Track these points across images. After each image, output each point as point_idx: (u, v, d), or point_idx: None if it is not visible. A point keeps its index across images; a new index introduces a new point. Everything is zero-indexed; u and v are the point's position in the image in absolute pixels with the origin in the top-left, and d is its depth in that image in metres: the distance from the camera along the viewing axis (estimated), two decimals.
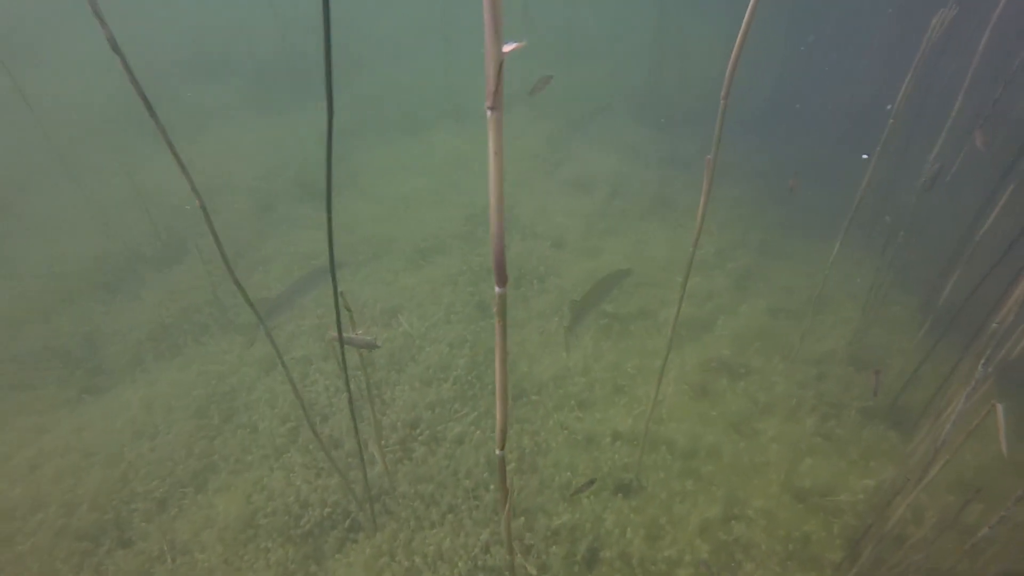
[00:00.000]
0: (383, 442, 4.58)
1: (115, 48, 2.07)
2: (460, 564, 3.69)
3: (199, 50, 12.76)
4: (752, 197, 8.02)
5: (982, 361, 2.53)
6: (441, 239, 6.82)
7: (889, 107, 3.56)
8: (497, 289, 1.09)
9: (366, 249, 7.00)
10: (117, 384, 5.89)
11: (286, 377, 5.43)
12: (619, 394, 4.80)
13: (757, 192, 8.15)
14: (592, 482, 3.86)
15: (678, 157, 8.82)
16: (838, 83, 10.26)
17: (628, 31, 12.68)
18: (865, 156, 3.50)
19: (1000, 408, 2.43)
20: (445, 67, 9.84)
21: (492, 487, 4.11)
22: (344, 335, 3.18)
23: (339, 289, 7.05)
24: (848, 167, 8.15)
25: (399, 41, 13.72)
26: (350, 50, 13.04)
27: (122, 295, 6.90)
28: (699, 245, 2.59)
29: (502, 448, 1.44)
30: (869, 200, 4.17)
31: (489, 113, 0.95)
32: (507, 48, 0.89)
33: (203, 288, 6.52)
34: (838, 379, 4.81)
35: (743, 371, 4.85)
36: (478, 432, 4.49)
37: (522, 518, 3.93)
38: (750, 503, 3.85)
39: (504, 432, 1.41)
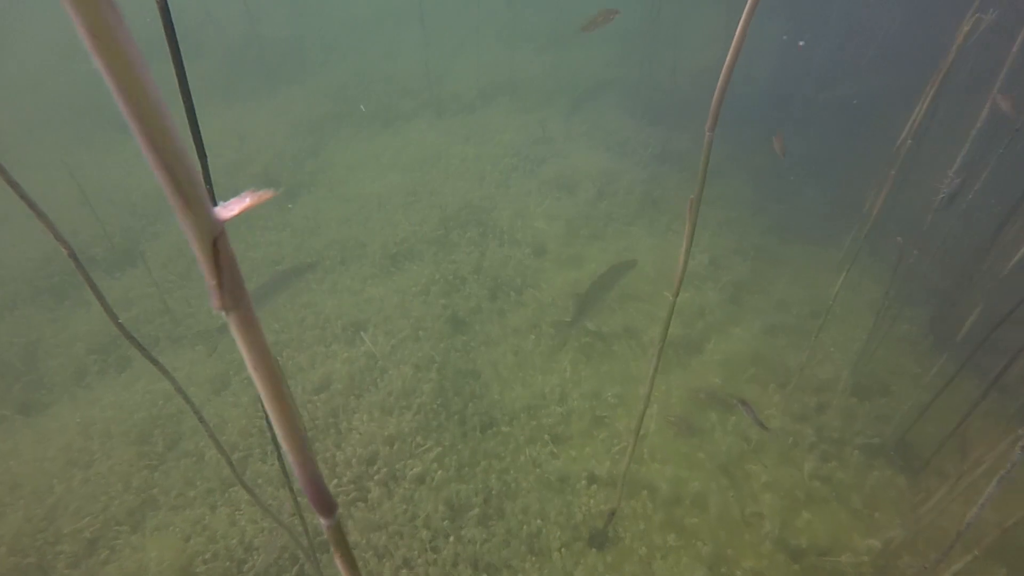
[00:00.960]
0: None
1: None
2: None
3: (161, 33, 12.04)
4: (750, 195, 7.51)
5: (1020, 444, 2.07)
6: (413, 244, 6.31)
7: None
8: (323, 522, 0.66)
9: (333, 254, 6.48)
10: (56, 401, 5.42)
11: (235, 402, 5.01)
12: (598, 427, 4.35)
13: (755, 189, 7.64)
14: (613, 513, 3.42)
15: (670, 152, 8.25)
16: (841, 74, 9.68)
17: (620, 17, 11.99)
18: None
19: None
20: (424, 54, 9.18)
21: (452, 538, 3.68)
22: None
23: (303, 299, 6.33)
24: (849, 164, 7.64)
25: (376, 26, 13.00)
26: (325, 35, 12.34)
27: (69, 301, 6.39)
28: (691, 255, 2.15)
29: None
30: (877, 212, 3.69)
31: (225, 315, 0.49)
32: (228, 212, 0.44)
33: (155, 296, 6.02)
34: (840, 411, 4.37)
35: (735, 403, 4.39)
36: (440, 471, 4.04)
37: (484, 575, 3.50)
38: (739, 563, 3.43)
39: None
